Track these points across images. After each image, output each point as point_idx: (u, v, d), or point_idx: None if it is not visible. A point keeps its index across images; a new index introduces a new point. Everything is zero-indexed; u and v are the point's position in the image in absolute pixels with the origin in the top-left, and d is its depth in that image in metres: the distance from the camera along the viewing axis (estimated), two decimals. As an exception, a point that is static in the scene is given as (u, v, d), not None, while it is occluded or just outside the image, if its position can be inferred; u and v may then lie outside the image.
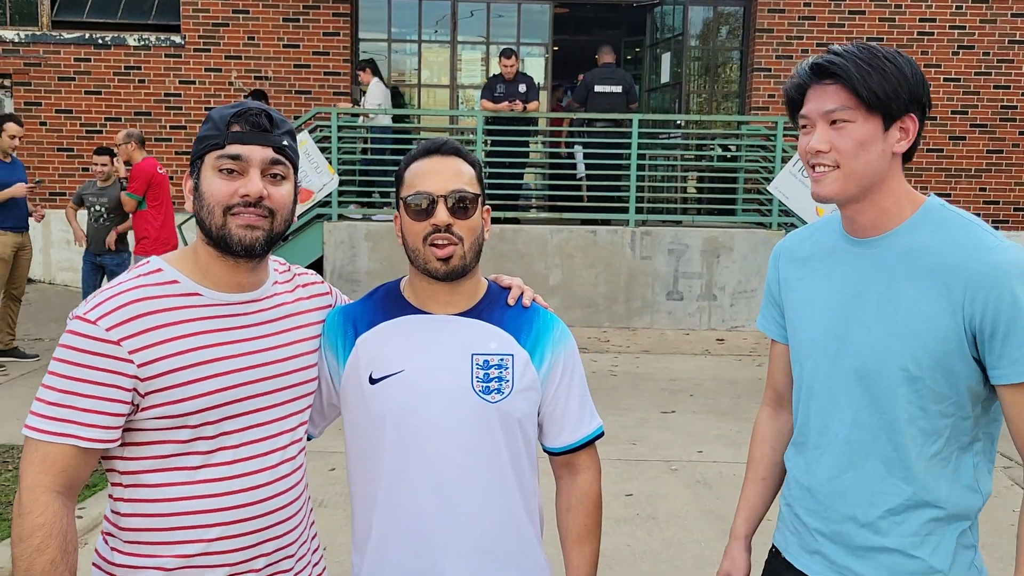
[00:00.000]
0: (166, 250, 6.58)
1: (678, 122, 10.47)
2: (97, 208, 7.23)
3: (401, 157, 8.86)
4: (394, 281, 1.76)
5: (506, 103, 8.86)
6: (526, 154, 9.26)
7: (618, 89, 9.07)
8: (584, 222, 9.08)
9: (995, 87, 10.33)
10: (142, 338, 1.45)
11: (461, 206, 1.60)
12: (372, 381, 1.63)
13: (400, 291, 1.72)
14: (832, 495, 1.58)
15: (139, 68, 10.28)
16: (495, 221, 8.98)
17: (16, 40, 10.24)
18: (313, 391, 1.68)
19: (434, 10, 10.69)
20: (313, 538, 1.73)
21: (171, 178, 8.31)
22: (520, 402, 1.64)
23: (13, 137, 6.97)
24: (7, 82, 10.37)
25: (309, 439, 1.74)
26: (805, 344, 1.63)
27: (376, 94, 9.15)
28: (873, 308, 1.52)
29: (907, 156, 1.53)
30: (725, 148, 10.17)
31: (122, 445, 1.49)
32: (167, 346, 1.46)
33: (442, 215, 1.58)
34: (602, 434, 1.76)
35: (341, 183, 8.84)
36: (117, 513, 1.52)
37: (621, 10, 11.56)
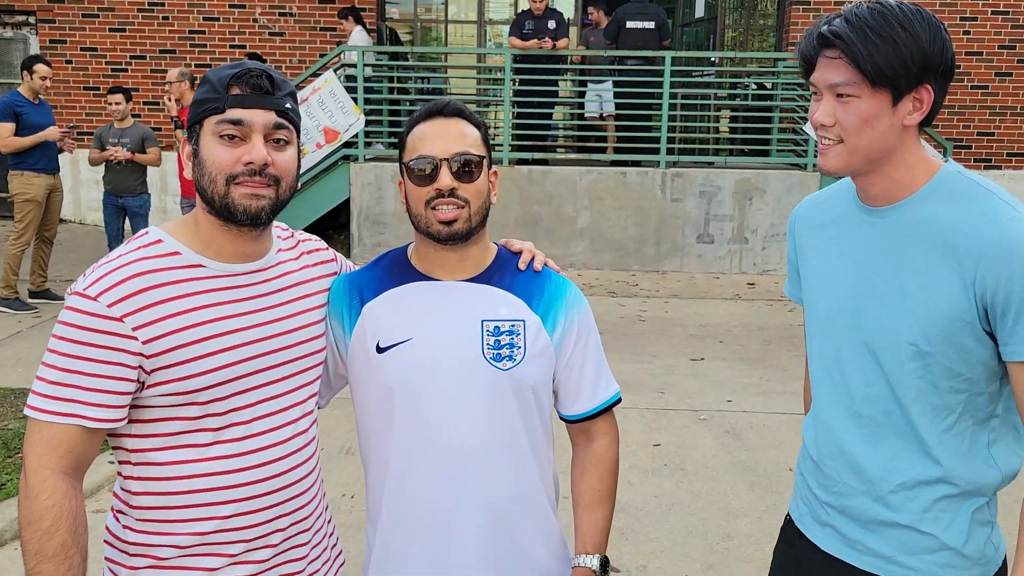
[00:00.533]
0: None
1: (712, 59, 10.17)
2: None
3: (429, 97, 8.74)
4: (401, 247, 1.70)
5: (535, 40, 8.64)
6: (555, 93, 9.04)
7: (651, 25, 8.80)
8: (614, 163, 8.91)
9: (1046, 21, 9.89)
10: (145, 313, 1.39)
11: (466, 170, 1.54)
12: (379, 350, 1.58)
13: (407, 258, 1.67)
14: (843, 469, 1.55)
15: (162, 4, 10.14)
16: (523, 163, 8.84)
17: (39, -24, 10.11)
18: (322, 362, 1.63)
19: (461, -58, 10.39)
20: (326, 509, 1.70)
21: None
22: (533, 368, 1.59)
23: (44, 78, 6.92)
24: (32, 19, 10.29)
25: (317, 408, 1.69)
26: (819, 316, 1.59)
27: (359, 42, 8.90)
28: (884, 281, 1.47)
29: (926, 121, 1.44)
30: (760, 86, 9.88)
31: (129, 423, 1.44)
32: (172, 321, 1.40)
33: (445, 179, 1.53)
34: (619, 400, 1.71)
35: (367, 123, 8.72)
36: (128, 491, 1.48)
37: (655, -59, 11.15)
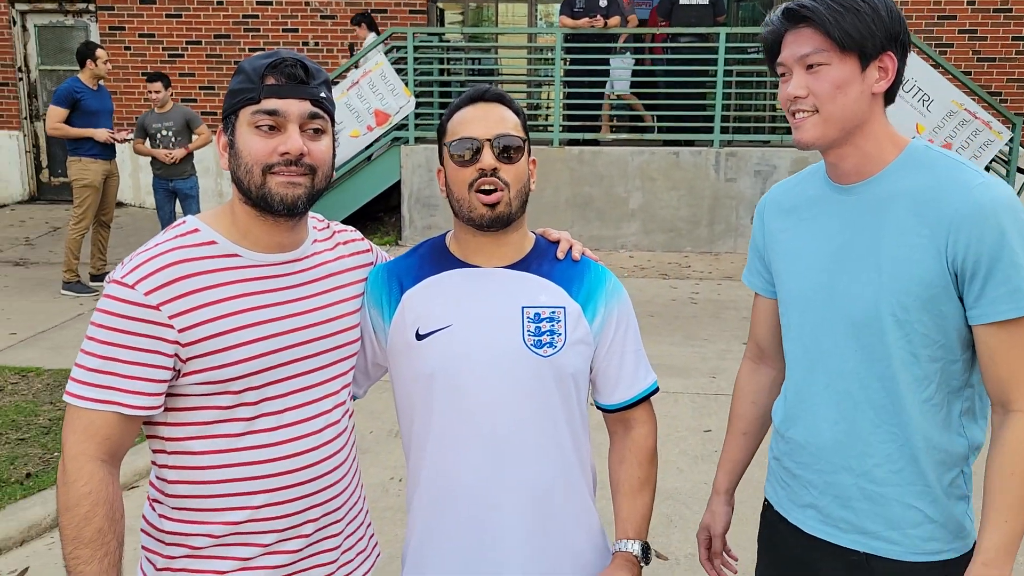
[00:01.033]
0: None
1: (763, 23, 9.90)
2: (164, 134, 7.28)
3: (480, 79, 8.66)
4: (439, 236, 1.70)
5: (586, 19, 8.52)
6: (607, 73, 8.92)
7: (705, 1, 8.61)
8: (666, 143, 8.76)
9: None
10: (181, 302, 1.39)
11: (507, 152, 1.55)
12: (419, 337, 1.57)
13: (446, 245, 1.66)
14: (826, 448, 1.57)
15: (217, -10, 10.25)
16: (574, 143, 8.76)
17: (98, -36, 10.30)
18: (356, 352, 1.62)
19: (512, -80, 10.28)
20: (362, 499, 1.69)
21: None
22: (573, 356, 1.57)
23: (107, 63, 7.07)
24: (91, 6, 10.50)
25: (353, 399, 1.69)
26: (794, 295, 1.61)
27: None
28: (858, 256, 1.51)
29: (889, 97, 1.51)
30: (819, 62, 9.60)
31: (165, 411, 1.45)
32: (207, 310, 1.41)
33: (488, 159, 1.53)
34: (657, 390, 1.69)
35: (418, 105, 8.72)
36: (163, 480, 1.49)
37: (710, -86, 10.88)
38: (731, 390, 5.04)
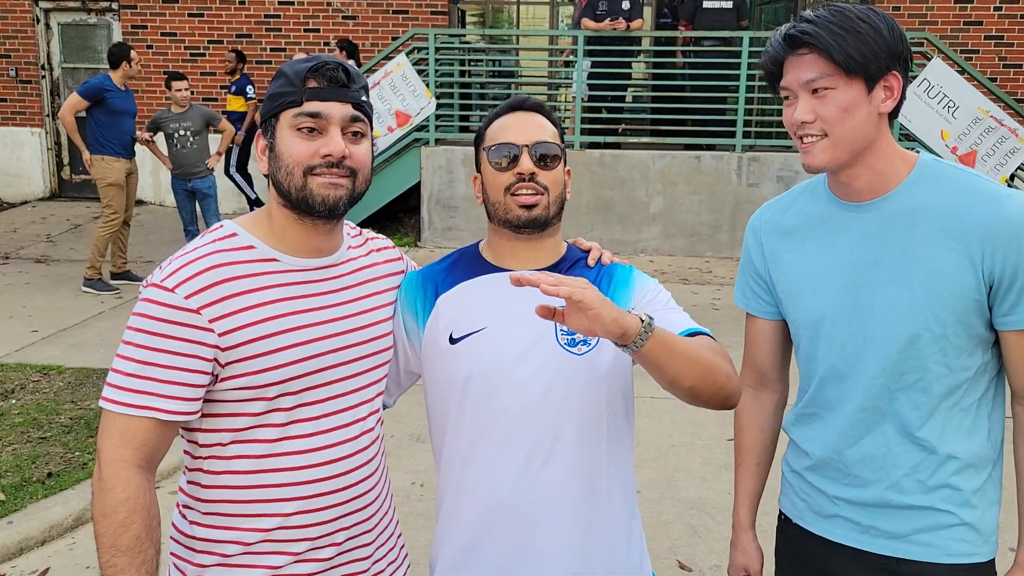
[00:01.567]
0: None
1: (765, 48, 9.83)
2: (182, 133, 7.30)
3: (500, 80, 8.62)
4: (472, 244, 1.70)
5: (608, 21, 8.47)
6: (629, 75, 8.87)
7: (728, 4, 8.56)
8: (688, 147, 8.71)
9: None
10: (222, 306, 1.38)
11: (545, 158, 1.56)
12: (452, 341, 1.57)
13: (479, 252, 1.67)
14: (852, 463, 1.57)
15: (239, -11, 10.28)
16: (595, 146, 8.72)
17: (121, -37, 10.35)
18: (389, 359, 1.62)
19: (534, -78, 10.25)
20: (392, 508, 1.68)
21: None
22: (609, 351, 1.55)
23: (139, 63, 7.10)
24: (114, 5, 10.55)
25: (384, 408, 1.67)
26: (813, 316, 1.58)
27: None
28: (887, 273, 1.49)
29: (893, 114, 1.50)
30: (842, 67, 9.52)
31: (201, 416, 1.44)
32: (247, 314, 1.40)
33: (526, 163, 1.55)
34: (711, 336, 1.53)
35: (438, 107, 8.70)
36: (196, 484, 1.48)
37: (733, -83, 10.81)
38: (754, 398, 4.99)
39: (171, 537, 1.54)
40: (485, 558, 1.56)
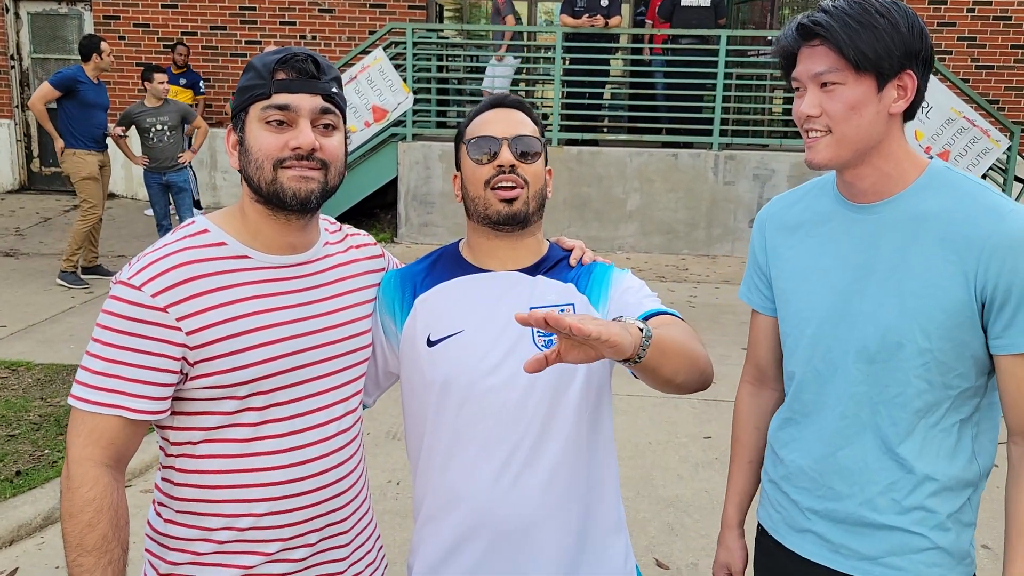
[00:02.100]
0: None
1: (769, 38, 9.89)
2: (159, 128, 7.18)
3: (477, 76, 8.59)
4: (452, 243, 1.68)
5: (586, 18, 8.47)
6: (606, 72, 8.87)
7: (706, 2, 8.58)
8: (665, 145, 8.73)
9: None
10: (189, 304, 1.35)
11: (525, 151, 1.54)
12: (430, 343, 1.54)
13: (459, 251, 1.64)
14: (827, 472, 1.53)
15: (214, -19, 10.15)
16: (572, 143, 8.71)
17: (93, -48, 10.18)
18: (367, 358, 1.59)
19: (513, -83, 10.20)
20: (370, 509, 1.65)
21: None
22: None
23: (110, 55, 6.99)
24: (86, -5, 10.38)
25: (364, 408, 1.64)
26: (802, 315, 1.54)
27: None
28: (879, 279, 1.45)
29: (909, 114, 1.44)
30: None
31: (172, 414, 1.42)
32: (216, 312, 1.37)
33: (507, 155, 1.53)
34: (680, 317, 1.53)
35: (416, 102, 8.65)
36: (169, 483, 1.46)
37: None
38: (731, 396, 5.02)
39: (146, 534, 1.52)
40: (465, 563, 1.54)
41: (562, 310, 1.54)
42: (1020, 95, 9.66)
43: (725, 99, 8.50)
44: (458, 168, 1.61)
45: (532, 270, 1.58)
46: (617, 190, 8.54)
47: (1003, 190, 8.28)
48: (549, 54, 8.95)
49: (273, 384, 1.42)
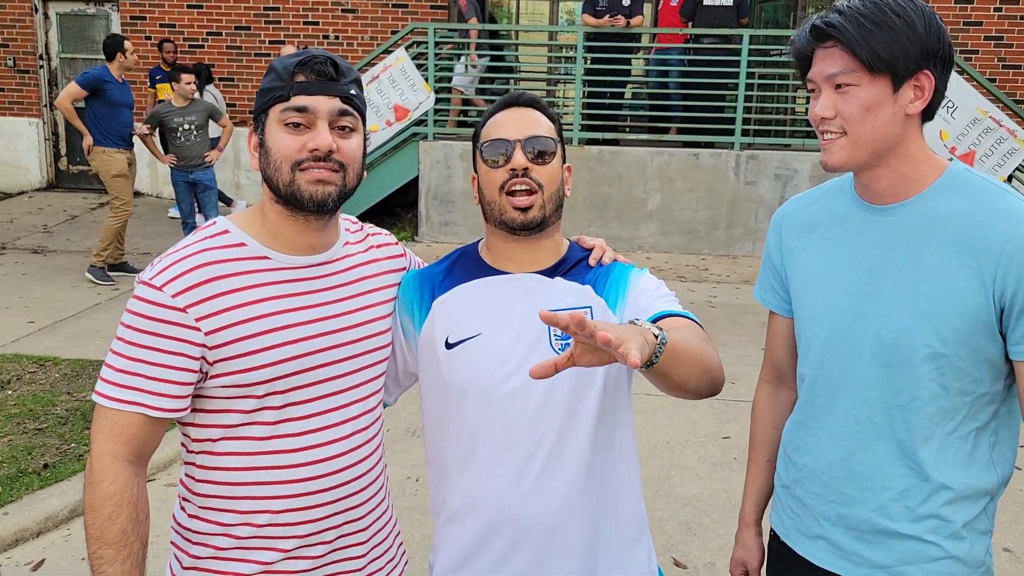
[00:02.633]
0: None
1: (792, 38, 9.84)
2: (185, 127, 7.28)
3: (497, 75, 8.60)
4: (472, 244, 1.67)
5: (608, 18, 8.47)
6: (628, 72, 8.87)
7: (728, 2, 8.55)
8: (686, 144, 8.71)
9: None
10: (208, 304, 1.38)
11: (539, 153, 1.52)
12: (448, 346, 1.54)
13: (478, 253, 1.63)
14: (840, 477, 1.51)
15: (238, -19, 10.24)
16: (593, 143, 8.71)
17: (120, -47, 10.31)
18: (387, 358, 1.59)
19: (535, -83, 10.22)
20: (390, 508, 1.67)
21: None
22: None
23: (133, 54, 7.09)
24: (113, -4, 10.51)
25: (384, 407, 1.66)
26: (816, 317, 1.53)
27: None
28: (894, 281, 1.43)
29: (928, 115, 1.42)
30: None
31: (193, 412, 1.45)
32: (234, 313, 1.39)
33: (519, 158, 1.51)
34: (697, 322, 1.54)
35: (437, 101, 8.69)
36: (191, 478, 1.49)
37: (734, -86, 10.80)
38: (750, 396, 5.01)
39: (171, 527, 1.55)
40: (485, 564, 1.54)
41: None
42: (1047, 95, 9.55)
43: (747, 99, 8.46)
44: (475, 169, 1.61)
45: (550, 272, 1.57)
46: (637, 190, 8.53)
47: (1029, 191, 8.19)
48: (570, 54, 8.95)
49: (290, 384, 1.43)
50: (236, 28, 10.33)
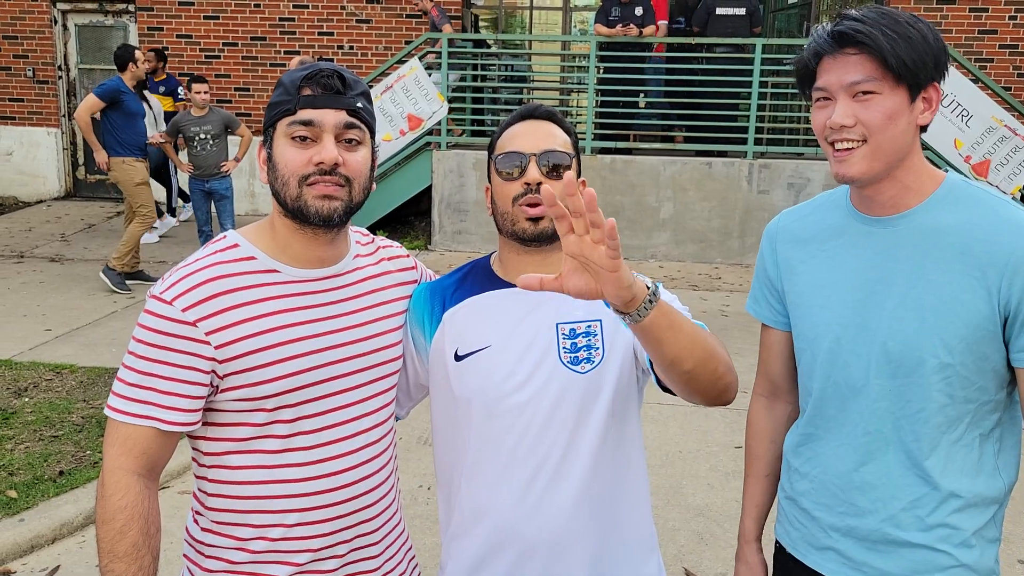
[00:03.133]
0: None
1: (808, 44, 9.83)
2: (202, 136, 7.36)
3: (511, 84, 8.63)
4: (484, 257, 1.67)
5: (620, 27, 8.49)
6: (641, 82, 8.89)
7: (741, 11, 8.56)
8: (699, 153, 8.71)
9: None
10: (219, 318, 1.38)
11: (554, 167, 1.51)
12: (457, 358, 1.54)
13: (490, 266, 1.63)
14: (848, 489, 1.51)
15: (254, -8, 10.34)
16: (606, 152, 8.73)
17: (138, -35, 10.43)
18: (398, 370, 1.59)
19: (548, -73, 10.28)
20: (402, 520, 1.67)
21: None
22: (615, 368, 1.50)
23: (145, 63, 7.17)
24: (131, 7, 10.63)
25: (396, 419, 1.66)
26: (818, 330, 1.52)
27: None
28: (898, 293, 1.43)
29: (922, 129, 1.44)
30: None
31: (204, 425, 1.45)
32: (244, 326, 1.40)
33: (533, 172, 1.50)
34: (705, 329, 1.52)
35: (450, 111, 8.73)
36: (203, 493, 1.49)
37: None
38: (762, 406, 4.99)
39: (185, 540, 1.56)
40: None
41: (589, 326, 1.52)
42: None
43: (760, 107, 8.46)
44: (490, 180, 1.60)
45: None
46: (650, 198, 8.53)
47: (1045, 199, 8.15)
48: (583, 63, 8.97)
49: (300, 397, 1.43)
50: (252, 39, 10.42)
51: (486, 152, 1.61)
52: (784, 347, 1.68)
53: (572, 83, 9.94)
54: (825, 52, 1.41)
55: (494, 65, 9.94)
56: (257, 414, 1.42)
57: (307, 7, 10.29)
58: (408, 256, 1.70)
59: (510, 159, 1.52)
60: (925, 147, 8.06)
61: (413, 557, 1.71)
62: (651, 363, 1.45)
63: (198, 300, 1.38)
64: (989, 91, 8.05)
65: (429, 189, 8.81)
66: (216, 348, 1.38)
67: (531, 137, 1.53)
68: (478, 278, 1.61)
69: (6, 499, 3.69)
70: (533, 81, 10.65)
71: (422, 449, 4.38)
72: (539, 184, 1.50)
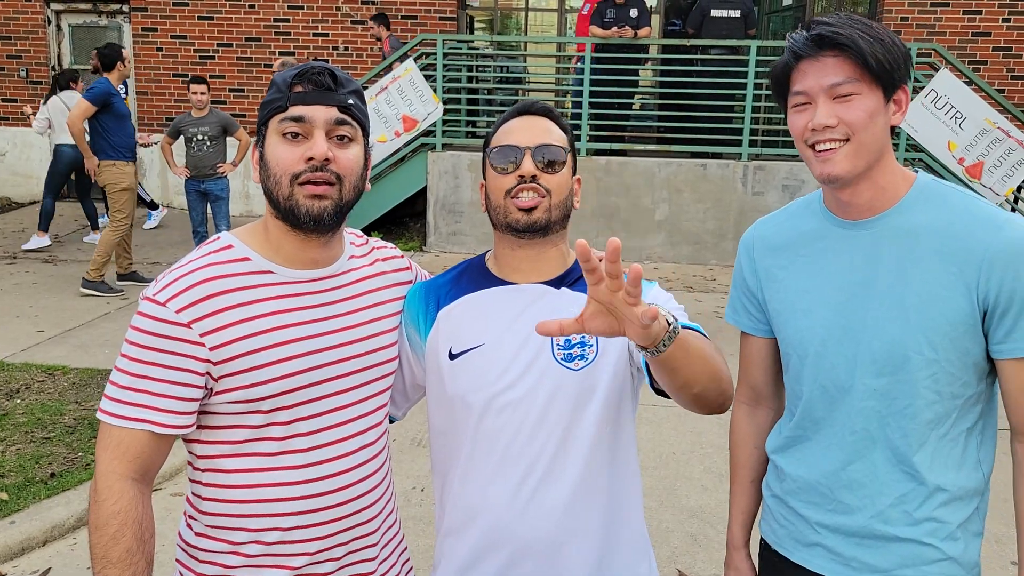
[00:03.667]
0: None
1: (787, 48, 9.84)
2: (199, 137, 7.34)
3: (506, 85, 8.63)
4: (479, 256, 1.66)
5: (615, 29, 8.50)
6: (636, 83, 8.89)
7: (736, 13, 8.57)
8: (694, 155, 8.72)
9: None
10: (213, 320, 1.37)
11: (549, 161, 1.52)
12: (451, 356, 1.54)
13: (485, 264, 1.63)
14: (837, 487, 1.53)
15: (249, -7, 10.33)
16: (601, 153, 8.73)
17: (132, -34, 10.41)
18: (393, 372, 1.59)
19: (543, -71, 10.28)
20: (397, 522, 1.66)
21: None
22: (609, 366, 1.50)
23: (128, 61, 7.14)
24: (125, 7, 10.60)
25: (392, 421, 1.65)
26: (804, 335, 1.55)
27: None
28: (880, 294, 1.46)
29: (892, 129, 1.48)
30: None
31: (199, 428, 1.44)
32: (239, 328, 1.39)
33: (527, 165, 1.50)
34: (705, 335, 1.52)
35: (445, 112, 8.72)
36: (198, 496, 1.48)
37: (742, -74, 10.84)
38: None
39: (177, 545, 1.54)
40: None
41: None
42: (1057, 105, 9.52)
43: (755, 109, 8.47)
44: (484, 176, 1.59)
45: (557, 283, 1.55)
46: (645, 200, 8.54)
47: (1039, 202, 8.16)
48: (578, 64, 8.98)
49: (297, 399, 1.42)
50: (247, 40, 10.40)
51: (481, 153, 1.61)
52: (765, 354, 1.70)
53: (567, 84, 9.94)
54: (804, 55, 1.43)
55: (489, 67, 9.94)
56: (253, 416, 1.41)
57: (302, 8, 10.28)
58: (403, 257, 1.69)
59: (505, 153, 1.52)
60: (919, 149, 8.08)
61: (408, 560, 1.70)
62: (646, 365, 1.45)
63: (192, 301, 1.37)
64: (982, 93, 8.08)
65: (424, 190, 8.80)
66: (211, 350, 1.37)
67: (527, 132, 1.53)
68: (473, 276, 1.61)
69: (-3, 501, 3.68)
70: (528, 82, 10.66)
71: (416, 450, 4.38)
72: (533, 176, 1.50)
